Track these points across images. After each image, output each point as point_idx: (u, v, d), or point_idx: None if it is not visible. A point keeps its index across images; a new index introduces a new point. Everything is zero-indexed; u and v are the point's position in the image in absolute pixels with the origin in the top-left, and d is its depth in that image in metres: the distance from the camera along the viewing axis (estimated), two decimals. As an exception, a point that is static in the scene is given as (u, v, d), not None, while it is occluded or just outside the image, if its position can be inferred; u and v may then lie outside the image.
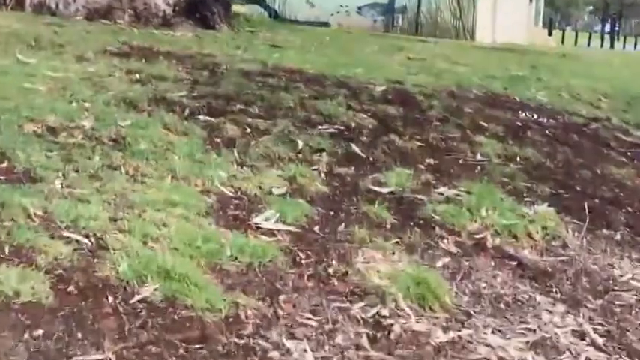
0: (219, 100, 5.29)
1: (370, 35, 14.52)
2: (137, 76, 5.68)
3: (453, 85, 7.31)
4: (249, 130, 4.75)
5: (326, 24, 20.15)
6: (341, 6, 20.72)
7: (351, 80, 6.66)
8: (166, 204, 3.29)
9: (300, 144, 4.64)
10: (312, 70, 6.96)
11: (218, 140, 4.52)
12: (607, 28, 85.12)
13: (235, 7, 11.49)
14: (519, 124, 6.14)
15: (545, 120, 6.46)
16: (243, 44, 8.28)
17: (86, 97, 4.80)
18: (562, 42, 31.83)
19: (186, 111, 4.92)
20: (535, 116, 6.53)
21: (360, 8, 20.56)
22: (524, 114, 6.55)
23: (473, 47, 14.27)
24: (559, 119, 6.62)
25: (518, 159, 5.22)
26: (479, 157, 5.13)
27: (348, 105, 5.68)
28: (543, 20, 32.72)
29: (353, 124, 5.25)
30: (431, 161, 4.89)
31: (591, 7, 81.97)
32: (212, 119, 4.83)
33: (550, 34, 30.08)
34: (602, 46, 54.70)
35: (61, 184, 3.35)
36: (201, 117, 4.85)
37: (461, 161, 4.99)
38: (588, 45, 52.12)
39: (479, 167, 4.92)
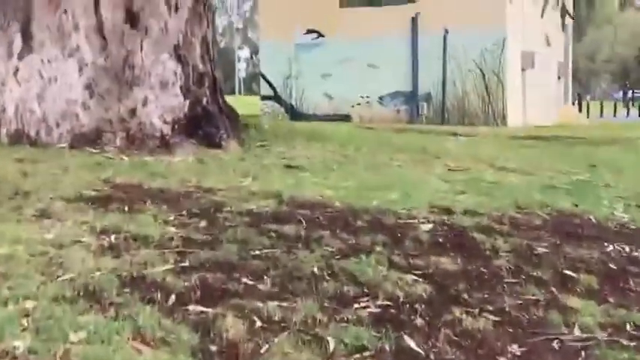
0: (218, 272, 3.93)
1: (396, 132, 13.23)
2: (112, 238, 4.35)
3: (511, 207, 5.93)
4: (258, 324, 3.38)
5: (347, 117, 19.06)
6: (361, 97, 19.62)
7: (388, 216, 5.28)
8: None
9: (332, 343, 3.27)
10: (338, 202, 5.61)
11: (214, 348, 3.15)
12: (622, 94, 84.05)
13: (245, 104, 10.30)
14: (613, 266, 4.73)
15: (640, 254, 5.05)
16: (253, 167, 6.96)
17: (31, 292, 3.46)
18: (587, 114, 30.48)
19: (171, 298, 3.57)
20: (627, 249, 5.12)
21: (381, 98, 19.44)
22: (611, 246, 5.15)
23: (510, 138, 12.93)
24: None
25: (629, 327, 3.81)
26: (577, 331, 3.71)
27: (390, 261, 4.31)
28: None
29: (400, 295, 3.87)
30: (515, 349, 3.49)
31: (609, 76, 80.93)
32: (207, 309, 3.47)
33: (580, 110, 28.80)
34: (627, 115, 53.57)
35: None
36: (191, 307, 3.49)
37: (555, 344, 3.58)
38: (614, 115, 51.00)
39: (582, 352, 3.50)
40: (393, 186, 6.39)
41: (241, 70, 65.05)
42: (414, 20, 19.31)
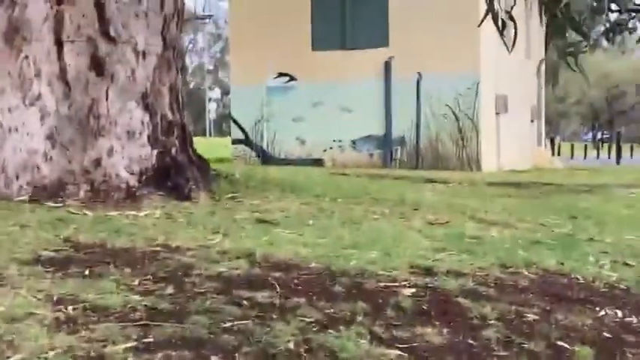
0: (185, 349, 3.58)
1: (371, 178, 12.96)
2: (69, 309, 3.99)
3: (496, 266, 5.64)
4: None
5: (319, 161, 18.79)
6: (334, 140, 19.37)
7: (367, 278, 4.97)
8: None
9: None
10: (314, 262, 5.29)
11: None
12: (592, 135, 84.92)
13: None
14: (608, 334, 4.43)
15: (635, 319, 4.76)
16: (224, 222, 6.63)
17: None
18: (558, 153, 30.45)
19: (132, 387, 3.22)
20: (620, 314, 4.83)
21: (354, 142, 19.20)
22: (603, 310, 4.86)
23: (487, 185, 12.69)
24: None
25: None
26: None
27: (372, 333, 3.98)
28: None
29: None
30: None
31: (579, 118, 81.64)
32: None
33: (553, 153, 28.77)
34: (597, 156, 54.02)
35: None
36: (153, 399, 3.15)
37: None
38: (584, 157, 51.35)
39: None
40: (371, 243, 6.09)
41: (211, 110, 64.83)
42: (387, 64, 19.15)
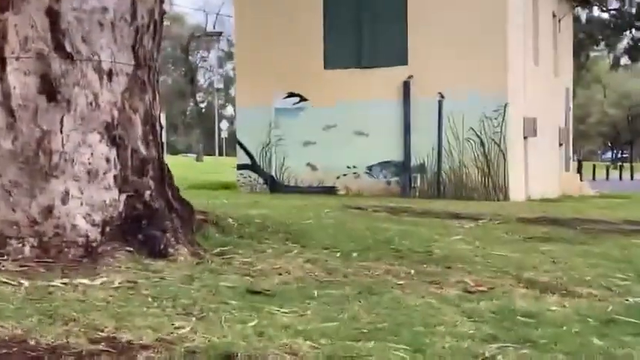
0: None
1: (389, 215, 11.36)
2: None
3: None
4: None
5: (332, 189, 17.23)
6: (347, 167, 17.78)
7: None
8: None
9: None
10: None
11: None
12: (611, 154, 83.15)
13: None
14: None
15: None
16: (201, 296, 5.04)
17: None
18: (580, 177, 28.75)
19: None
20: None
21: (370, 169, 17.59)
22: None
23: (523, 223, 11.06)
24: None
25: None
26: None
27: None
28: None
29: None
30: None
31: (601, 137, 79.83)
32: None
33: (581, 178, 27.12)
34: (620, 177, 52.33)
35: None
36: None
37: None
38: (607, 178, 49.61)
39: None
40: (395, 329, 4.50)
41: (223, 130, 63.29)
42: (406, 84, 17.57)
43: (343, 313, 4.87)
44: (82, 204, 6.08)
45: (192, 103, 71.34)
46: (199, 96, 78.94)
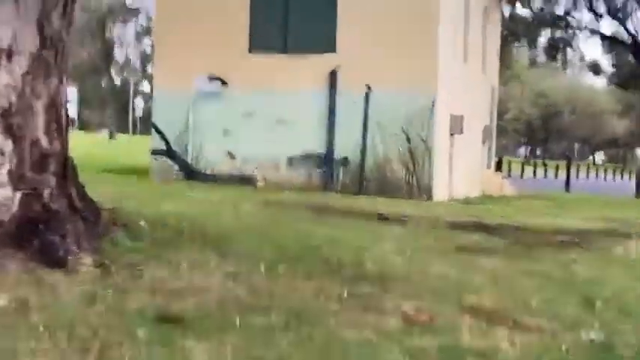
0: None
1: (314, 214, 10.69)
2: None
3: None
4: None
5: (250, 179, 16.50)
6: (267, 157, 17.05)
7: None
8: None
9: None
10: None
11: None
12: (522, 152, 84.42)
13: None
14: None
15: None
16: (100, 323, 4.27)
17: None
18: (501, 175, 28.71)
19: None
20: None
21: (291, 160, 16.89)
22: None
23: (452, 229, 10.54)
24: None
25: None
26: None
27: None
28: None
29: None
30: None
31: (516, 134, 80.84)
32: None
33: (502, 176, 26.98)
34: (534, 175, 53.02)
35: None
36: None
37: None
38: (521, 176, 50.15)
39: None
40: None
41: (138, 107, 61.64)
42: (333, 73, 16.90)
43: (269, 349, 4.19)
44: (-33, 203, 5.23)
45: (106, 78, 69.35)
46: (114, 72, 76.89)
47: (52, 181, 5.65)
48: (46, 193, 5.59)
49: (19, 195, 5.43)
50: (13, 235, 5.34)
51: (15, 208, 5.40)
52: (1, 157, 5.38)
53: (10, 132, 5.42)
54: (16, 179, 5.43)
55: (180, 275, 5.55)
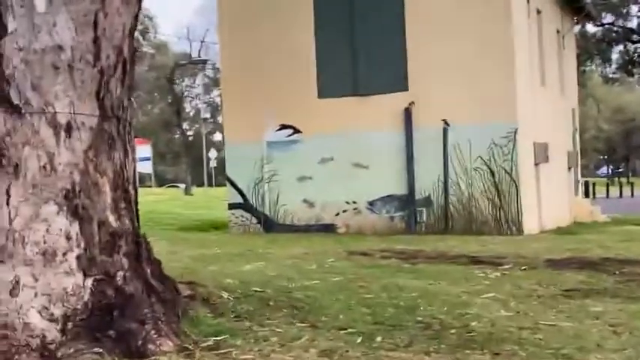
0: None
1: (399, 268, 10.07)
2: None
3: None
4: None
5: (331, 227, 15.99)
6: (347, 202, 16.53)
7: None
8: None
9: None
10: None
11: None
12: (606, 170, 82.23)
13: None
14: None
15: None
16: None
17: None
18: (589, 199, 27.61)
19: None
20: None
21: (371, 204, 16.31)
22: None
23: (549, 270, 9.81)
24: None
25: None
26: None
27: None
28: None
29: None
30: None
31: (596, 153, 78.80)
32: None
33: (590, 199, 25.94)
34: (621, 195, 51.40)
35: None
36: None
37: None
38: (607, 196, 48.63)
39: None
40: None
41: (212, 159, 61.91)
42: (407, 111, 16.36)
43: None
44: (36, 295, 4.81)
45: (178, 132, 69.98)
46: (186, 124, 77.64)
47: (125, 262, 5.21)
48: (119, 275, 5.14)
49: (90, 281, 5.00)
50: (88, 325, 4.89)
51: (87, 296, 4.96)
52: (68, 242, 4.96)
53: (76, 214, 5.00)
54: (86, 265, 5.00)
55: (270, 355, 5.02)
